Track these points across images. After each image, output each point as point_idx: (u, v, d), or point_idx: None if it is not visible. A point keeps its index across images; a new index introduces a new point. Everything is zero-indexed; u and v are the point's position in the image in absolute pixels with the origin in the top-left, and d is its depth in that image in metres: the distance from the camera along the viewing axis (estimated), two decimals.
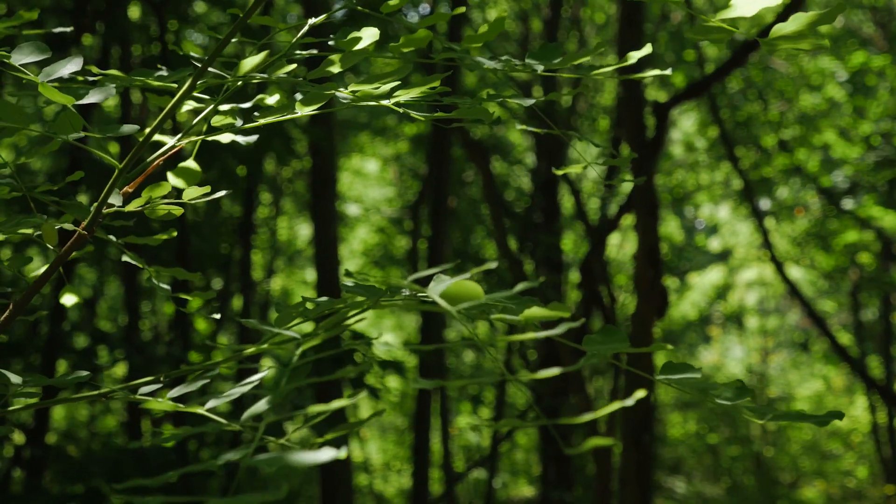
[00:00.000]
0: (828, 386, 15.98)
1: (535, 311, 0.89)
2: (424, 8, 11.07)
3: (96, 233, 1.26)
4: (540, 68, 1.27)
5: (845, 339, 13.97)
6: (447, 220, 8.76)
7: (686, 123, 12.98)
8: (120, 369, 8.97)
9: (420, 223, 10.58)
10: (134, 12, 7.89)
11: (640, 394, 0.77)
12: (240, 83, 1.26)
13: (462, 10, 1.34)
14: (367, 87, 1.28)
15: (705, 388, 1.06)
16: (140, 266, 1.40)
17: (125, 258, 1.40)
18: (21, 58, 1.22)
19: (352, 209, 13.24)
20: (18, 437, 6.98)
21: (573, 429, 9.57)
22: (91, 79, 1.37)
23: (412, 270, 10.59)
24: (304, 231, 12.88)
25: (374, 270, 12.82)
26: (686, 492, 13.49)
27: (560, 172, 1.43)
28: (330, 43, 1.32)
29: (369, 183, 13.98)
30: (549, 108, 9.18)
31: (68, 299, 1.58)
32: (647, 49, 1.27)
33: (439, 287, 0.92)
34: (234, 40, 1.35)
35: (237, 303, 9.46)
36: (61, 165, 7.85)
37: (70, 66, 1.20)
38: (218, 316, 1.44)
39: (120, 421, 8.84)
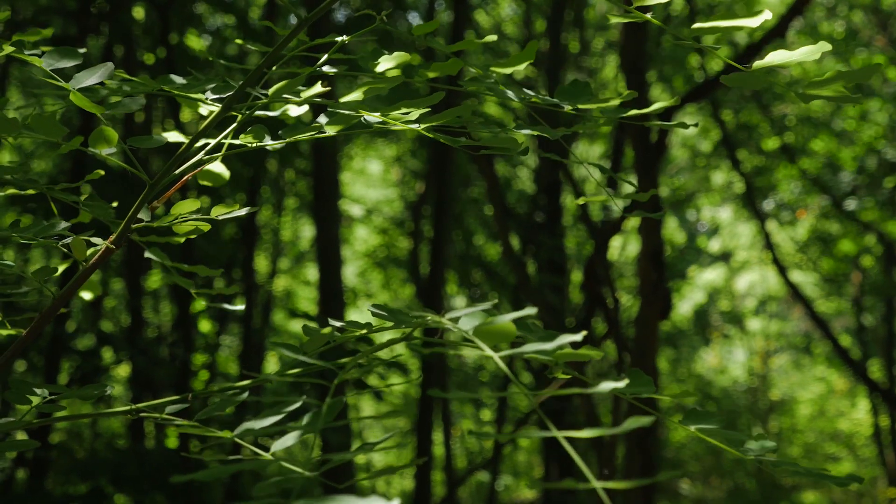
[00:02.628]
0: (829, 389, 15.96)
1: (568, 353, 0.89)
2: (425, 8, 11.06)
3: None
4: (567, 108, 1.28)
5: (847, 342, 13.96)
6: (449, 222, 8.76)
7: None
8: (123, 370, 8.97)
9: (422, 224, 10.57)
10: (138, 13, 7.90)
11: (644, 420, 0.78)
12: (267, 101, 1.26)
13: (494, 38, 1.34)
14: (397, 113, 1.27)
15: (732, 440, 1.06)
16: (166, 264, 1.39)
17: (148, 255, 1.40)
18: (52, 63, 1.21)
19: (354, 210, 13.24)
20: (21, 437, 6.98)
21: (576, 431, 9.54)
22: (101, 81, 1.36)
23: (414, 272, 10.59)
24: (307, 232, 12.88)
25: (376, 272, 12.82)
26: (689, 493, 13.49)
27: (581, 201, 1.44)
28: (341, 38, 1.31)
29: (372, 184, 13.98)
30: (551, 110, 9.16)
31: (85, 295, 1.57)
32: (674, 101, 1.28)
33: (472, 324, 0.92)
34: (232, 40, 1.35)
35: (240, 304, 9.46)
36: (64, 168, 7.85)
37: (100, 74, 1.19)
38: (239, 308, 1.43)
39: (123, 422, 8.85)
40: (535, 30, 11.42)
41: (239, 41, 1.36)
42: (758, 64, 1.13)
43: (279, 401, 1.04)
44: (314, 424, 0.93)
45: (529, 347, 0.88)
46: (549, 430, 0.84)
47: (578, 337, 0.89)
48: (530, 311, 0.89)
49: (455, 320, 0.97)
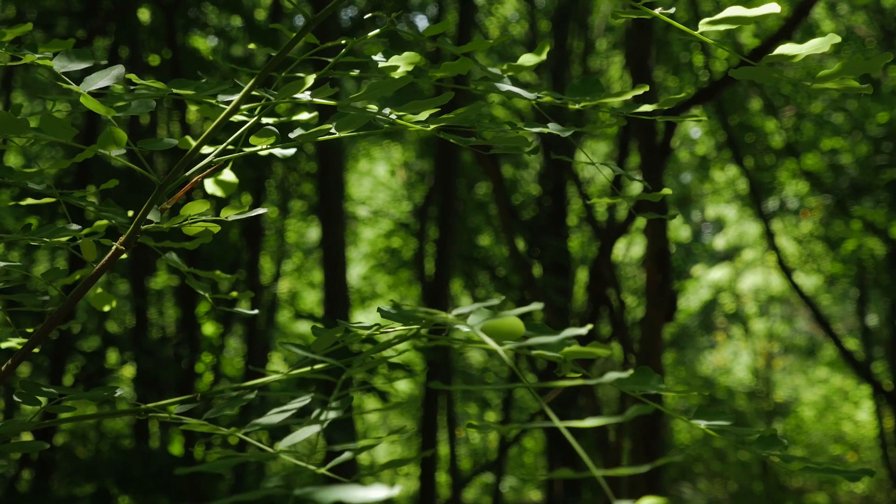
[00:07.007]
0: (833, 390, 15.95)
1: (575, 349, 0.89)
2: (432, 11, 11.07)
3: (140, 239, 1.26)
4: (579, 104, 1.28)
5: (852, 343, 13.93)
6: (455, 222, 8.75)
7: (693, 127, 12.95)
8: (128, 370, 8.97)
9: (427, 225, 10.57)
10: (143, 14, 7.90)
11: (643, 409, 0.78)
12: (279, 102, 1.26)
13: (507, 37, 1.34)
14: (409, 114, 1.27)
15: (741, 437, 1.06)
16: (182, 270, 1.39)
17: (166, 258, 1.39)
18: (63, 65, 1.21)
19: (360, 211, 13.25)
20: (27, 438, 6.98)
21: (582, 434, 9.54)
22: (132, 88, 1.36)
23: (419, 273, 10.59)
24: (312, 233, 12.89)
25: (382, 273, 12.82)
26: (693, 496, 13.47)
27: (596, 202, 1.44)
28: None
29: (377, 186, 13.98)
30: (556, 110, 9.16)
31: (100, 303, 1.55)
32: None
33: (479, 320, 0.92)
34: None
35: (244, 305, 9.46)
36: (67, 167, 7.85)
37: (111, 77, 1.19)
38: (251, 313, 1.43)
39: (128, 422, 8.85)
40: (540, 30, 11.41)
41: (252, 46, 1.35)
42: (767, 57, 1.13)
43: (287, 394, 1.04)
44: (322, 419, 0.93)
45: (534, 341, 0.88)
46: (553, 424, 0.84)
47: (583, 331, 0.90)
48: (536, 305, 0.89)
49: (462, 317, 0.97)
